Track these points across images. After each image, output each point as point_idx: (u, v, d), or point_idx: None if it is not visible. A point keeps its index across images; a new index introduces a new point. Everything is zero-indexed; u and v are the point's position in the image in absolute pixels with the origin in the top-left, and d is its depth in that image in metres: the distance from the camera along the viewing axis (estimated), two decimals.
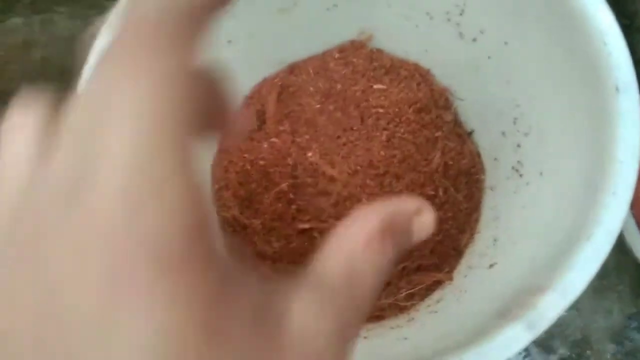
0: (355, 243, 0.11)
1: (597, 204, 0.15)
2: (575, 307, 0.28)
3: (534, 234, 0.19)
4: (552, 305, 0.14)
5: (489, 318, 0.16)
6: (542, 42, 0.19)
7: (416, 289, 0.24)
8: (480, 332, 0.15)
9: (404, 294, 0.24)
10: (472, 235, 0.25)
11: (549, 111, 0.19)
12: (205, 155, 0.25)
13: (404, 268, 0.24)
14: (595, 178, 0.15)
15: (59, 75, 0.32)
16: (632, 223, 0.25)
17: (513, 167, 0.22)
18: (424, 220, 0.12)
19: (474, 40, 0.22)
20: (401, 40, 0.25)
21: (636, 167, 0.15)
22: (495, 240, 0.23)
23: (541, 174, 0.20)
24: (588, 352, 0.28)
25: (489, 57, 0.22)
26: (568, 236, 0.15)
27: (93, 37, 0.33)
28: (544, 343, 0.28)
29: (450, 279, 0.24)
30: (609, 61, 0.15)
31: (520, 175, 0.22)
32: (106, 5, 0.34)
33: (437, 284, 0.24)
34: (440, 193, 0.25)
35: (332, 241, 0.11)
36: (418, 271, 0.24)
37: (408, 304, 0.24)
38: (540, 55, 0.19)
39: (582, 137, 0.17)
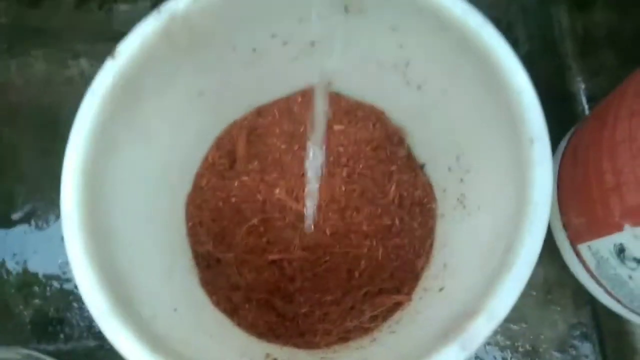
0: None
1: (516, 239, 0.17)
2: (524, 320, 0.31)
3: (473, 261, 0.21)
4: (481, 329, 0.17)
5: (434, 339, 0.18)
6: (474, 94, 0.21)
7: (378, 310, 0.26)
8: (425, 353, 0.17)
9: (368, 316, 0.26)
10: (427, 259, 0.27)
11: (482, 153, 0.22)
12: (180, 194, 0.27)
13: (366, 293, 0.27)
14: (516, 216, 0.18)
15: (35, 117, 0.34)
16: (568, 245, 0.27)
17: (458, 199, 0.25)
18: None
19: (419, 87, 0.24)
20: (357, 85, 0.27)
21: (548, 207, 0.17)
22: (445, 265, 0.25)
23: (479, 207, 0.23)
24: None
25: (432, 103, 0.24)
26: (496, 266, 0.18)
27: (69, 80, 0.35)
28: (497, 354, 0.31)
29: (409, 300, 0.26)
30: (524, 116, 0.18)
31: (464, 207, 0.24)
32: (79, 49, 0.36)
33: (398, 305, 0.26)
34: (397, 222, 0.27)
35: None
36: (380, 294, 0.27)
37: (372, 325, 0.26)
38: (473, 105, 0.22)
39: (507, 180, 0.19)
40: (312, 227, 0.27)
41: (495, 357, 0.30)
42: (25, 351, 0.28)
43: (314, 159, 0.23)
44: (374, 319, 0.26)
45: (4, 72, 0.36)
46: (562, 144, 0.29)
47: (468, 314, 0.17)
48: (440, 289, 0.24)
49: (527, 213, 0.18)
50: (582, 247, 0.26)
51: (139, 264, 0.20)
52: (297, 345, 0.25)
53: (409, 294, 0.26)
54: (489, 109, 0.21)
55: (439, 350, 0.16)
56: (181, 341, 0.19)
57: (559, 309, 0.31)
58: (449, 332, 0.17)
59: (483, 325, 0.16)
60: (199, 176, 0.27)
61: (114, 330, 0.17)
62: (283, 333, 0.25)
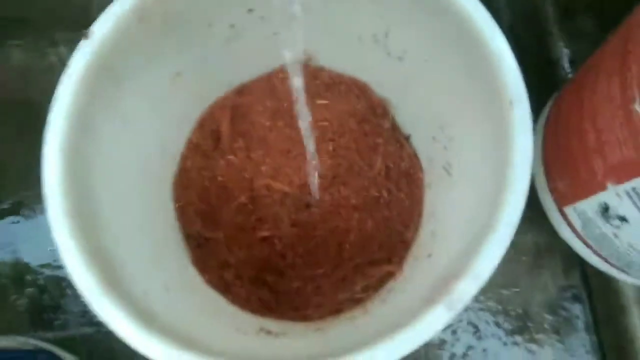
0: None
1: (499, 201, 0.18)
2: (515, 285, 0.32)
3: (459, 227, 0.21)
4: (467, 289, 0.17)
5: (421, 303, 0.19)
6: (455, 61, 0.21)
7: (369, 281, 0.26)
8: (412, 316, 0.17)
9: (359, 287, 0.26)
10: (416, 229, 0.27)
11: (464, 120, 0.22)
12: (166, 176, 0.27)
13: (357, 264, 0.27)
14: (498, 179, 0.18)
15: (16, 106, 0.34)
16: (555, 209, 0.28)
17: (444, 167, 0.25)
18: None
19: (400, 58, 0.24)
20: (338, 59, 0.27)
21: (529, 168, 0.18)
22: (433, 233, 0.25)
23: (464, 174, 0.23)
24: (529, 323, 0.31)
25: (413, 72, 0.24)
26: (480, 229, 0.18)
27: (49, 69, 0.35)
28: (490, 319, 0.31)
29: (400, 269, 0.26)
30: (503, 79, 0.18)
31: (449, 175, 0.25)
32: (57, 38, 0.36)
33: (389, 275, 0.26)
34: (385, 194, 0.28)
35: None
36: (370, 265, 0.27)
37: (364, 295, 0.26)
38: (454, 72, 0.22)
39: (489, 144, 0.20)
40: (317, 195, 0.27)
41: (487, 322, 0.31)
42: (22, 339, 0.28)
43: (306, 133, 0.23)
44: (365, 289, 0.26)
45: None
46: (546, 109, 0.29)
47: (453, 275, 0.18)
48: (429, 255, 0.24)
49: (508, 175, 0.18)
50: (568, 210, 0.26)
51: (127, 245, 0.20)
52: (290, 319, 0.25)
53: (399, 263, 0.27)
54: (469, 75, 0.21)
55: (425, 312, 0.17)
56: (175, 318, 0.19)
57: (549, 272, 0.32)
58: (435, 295, 0.18)
59: (468, 285, 0.17)
60: (183, 157, 0.27)
61: (107, 310, 0.17)
62: (276, 308, 0.25)
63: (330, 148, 0.28)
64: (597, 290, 0.31)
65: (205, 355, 0.17)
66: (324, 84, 0.28)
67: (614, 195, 0.22)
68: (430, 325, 0.16)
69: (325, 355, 0.17)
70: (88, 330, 0.31)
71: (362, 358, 0.16)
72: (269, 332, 0.23)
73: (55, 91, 0.19)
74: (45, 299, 0.31)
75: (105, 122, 0.20)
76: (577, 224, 0.26)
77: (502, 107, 0.18)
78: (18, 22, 0.36)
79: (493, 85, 0.19)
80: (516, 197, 0.17)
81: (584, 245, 0.27)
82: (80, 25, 0.35)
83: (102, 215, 0.19)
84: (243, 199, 0.27)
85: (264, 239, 0.27)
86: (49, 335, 0.31)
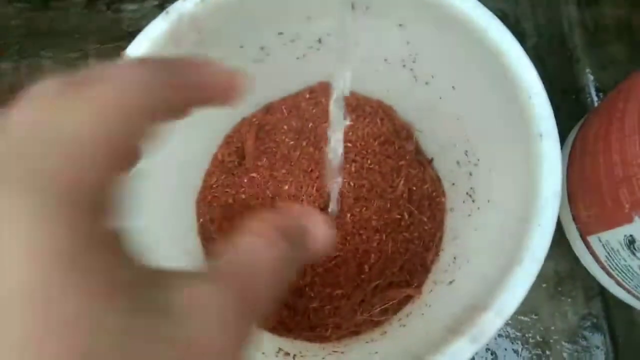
0: (251, 236, 0.12)
1: (526, 233, 0.17)
2: (535, 312, 0.31)
3: (482, 254, 0.21)
4: (490, 323, 0.17)
5: (444, 332, 0.19)
6: (484, 89, 0.21)
7: (389, 304, 0.26)
8: (434, 345, 0.17)
9: (378, 309, 0.26)
10: (437, 253, 0.27)
11: (491, 148, 0.22)
12: (189, 192, 0.27)
13: (376, 286, 0.27)
14: (526, 210, 0.18)
15: None
16: (578, 237, 0.27)
17: (467, 193, 0.25)
18: (317, 234, 0.13)
19: (427, 83, 0.24)
20: (365, 81, 0.27)
21: (557, 202, 0.18)
22: (454, 258, 0.25)
23: (489, 201, 0.23)
24: (547, 352, 0.31)
25: (440, 98, 0.24)
26: (506, 260, 0.18)
27: None
28: (508, 346, 0.31)
29: (419, 293, 0.26)
30: (534, 112, 0.18)
31: (473, 201, 0.25)
32: (88, 49, 0.36)
33: (408, 298, 0.26)
34: (406, 216, 0.28)
35: (229, 240, 0.12)
36: (390, 288, 0.27)
37: (382, 318, 0.26)
38: (482, 100, 0.22)
39: (516, 174, 0.19)
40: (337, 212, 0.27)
41: (506, 349, 0.31)
42: None
43: (335, 154, 0.23)
44: (384, 312, 0.26)
45: (14, 73, 0.36)
46: (571, 136, 0.29)
47: (478, 308, 0.17)
48: (450, 282, 0.24)
49: (536, 208, 0.18)
50: (592, 239, 0.26)
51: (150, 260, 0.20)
52: (308, 339, 0.25)
53: (419, 286, 0.26)
54: (498, 104, 0.21)
55: (449, 343, 0.17)
56: None
57: (569, 300, 0.31)
58: (458, 325, 0.18)
59: (493, 319, 0.17)
60: (208, 174, 0.27)
61: None
62: (294, 327, 0.25)
63: (353, 169, 0.28)
64: (618, 321, 0.30)
65: None
66: (350, 105, 0.28)
67: None
68: (453, 357, 0.16)
69: None
70: None
71: None
72: (287, 354, 0.23)
73: None
74: None
75: None
76: (601, 253, 0.26)
77: (531, 139, 0.18)
78: (50, 34, 0.36)
79: (522, 117, 0.19)
80: (543, 233, 0.17)
81: (607, 276, 0.27)
82: (110, 37, 0.36)
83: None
84: None
85: None
86: None
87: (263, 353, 0.22)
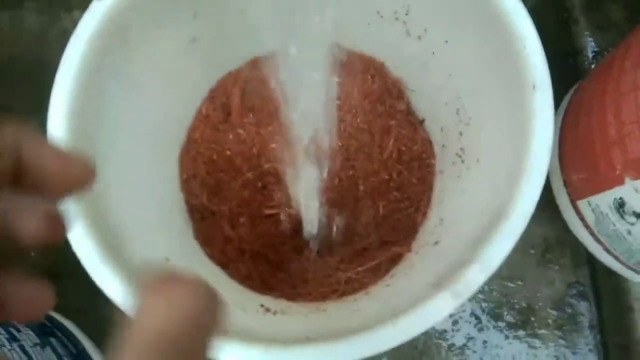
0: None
1: (514, 188, 0.17)
2: (521, 278, 0.31)
3: (471, 215, 0.21)
4: (474, 277, 0.16)
5: (427, 288, 0.18)
6: (476, 42, 0.21)
7: (375, 262, 0.26)
8: (416, 301, 0.17)
9: (365, 267, 0.26)
10: (424, 214, 0.27)
11: (483, 104, 0.22)
12: (173, 147, 0.26)
13: (366, 246, 0.26)
14: (516, 165, 0.18)
15: (28, 69, 0.34)
16: (568, 202, 0.27)
17: (457, 154, 0.25)
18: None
19: (419, 37, 0.24)
20: (356, 36, 0.26)
21: (548, 157, 0.17)
22: (441, 220, 0.25)
23: (478, 160, 0.22)
24: (532, 318, 0.31)
25: (433, 53, 0.24)
26: (493, 216, 0.18)
27: (62, 33, 0.34)
28: (492, 311, 0.31)
29: (409, 251, 0.26)
30: (527, 62, 0.18)
31: (462, 161, 0.24)
32: (73, 1, 0.35)
33: (398, 256, 0.26)
34: (395, 176, 0.27)
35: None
36: (380, 247, 0.26)
37: (367, 277, 0.26)
38: (475, 54, 0.21)
39: (507, 129, 0.19)
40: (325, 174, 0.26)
41: (490, 314, 0.31)
42: None
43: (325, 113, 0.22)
44: (374, 271, 0.25)
45: None
46: (566, 100, 0.28)
47: (461, 263, 0.17)
48: (436, 243, 0.23)
49: (526, 162, 0.17)
50: (582, 204, 0.26)
51: (129, 212, 0.20)
52: (291, 298, 0.25)
53: (408, 245, 0.26)
54: (491, 56, 0.20)
55: (430, 299, 0.16)
56: None
57: (557, 267, 0.31)
58: (441, 281, 0.17)
59: (476, 273, 0.16)
60: (192, 129, 0.27)
61: (105, 278, 0.17)
62: (276, 285, 0.25)
63: (342, 128, 0.27)
64: (604, 289, 0.30)
65: None
66: (340, 61, 0.27)
67: (632, 190, 0.21)
68: (434, 311, 0.16)
69: (325, 335, 0.17)
70: (84, 302, 0.30)
71: (363, 340, 0.16)
72: (267, 310, 0.23)
73: (64, 52, 0.18)
74: (44, 265, 0.31)
75: (114, 85, 0.19)
76: (590, 218, 0.26)
77: (524, 92, 0.18)
78: None
79: (515, 68, 0.18)
80: (532, 186, 0.17)
81: (596, 242, 0.27)
82: None
83: (105, 180, 0.19)
84: (250, 175, 0.27)
85: (269, 216, 0.27)
86: None
87: (243, 309, 0.22)
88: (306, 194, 0.27)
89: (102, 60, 0.19)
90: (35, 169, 0.10)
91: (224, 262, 0.25)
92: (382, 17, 0.24)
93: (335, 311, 0.23)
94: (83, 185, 0.11)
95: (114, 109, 0.20)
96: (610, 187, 0.22)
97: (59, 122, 0.17)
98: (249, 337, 0.16)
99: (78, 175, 0.11)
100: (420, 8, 0.22)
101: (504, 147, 0.19)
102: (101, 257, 0.17)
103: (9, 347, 0.21)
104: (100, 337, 0.29)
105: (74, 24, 0.34)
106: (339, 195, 0.27)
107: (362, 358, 0.16)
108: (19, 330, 0.23)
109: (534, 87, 0.17)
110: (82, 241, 0.17)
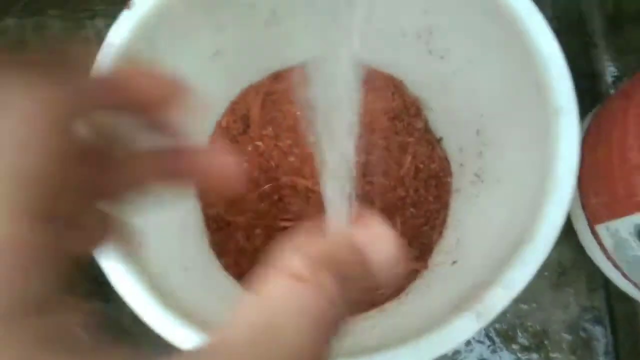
0: (284, 279, 0.08)
1: (538, 211, 0.17)
2: (535, 301, 0.31)
3: (490, 235, 0.21)
4: (498, 299, 0.16)
5: (446, 310, 0.18)
6: (501, 64, 0.21)
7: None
8: (437, 322, 0.17)
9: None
10: (440, 233, 0.27)
11: (505, 125, 0.22)
12: None
13: None
14: (540, 188, 0.18)
15: None
16: (586, 226, 0.27)
17: (475, 173, 0.25)
18: (381, 259, 0.09)
19: (442, 57, 0.24)
20: (377, 53, 0.27)
21: (573, 180, 0.17)
22: (458, 239, 0.25)
23: (498, 181, 0.22)
24: (546, 342, 0.30)
25: (454, 73, 0.24)
26: (515, 238, 0.18)
27: (85, 40, 0.35)
28: (506, 333, 0.30)
29: (426, 267, 0.25)
30: (551, 85, 0.18)
31: (482, 181, 0.24)
32: (96, 9, 0.36)
33: (414, 273, 0.25)
34: (412, 193, 0.27)
35: (255, 282, 0.08)
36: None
37: (385, 296, 0.25)
38: (499, 75, 0.21)
39: (531, 151, 0.19)
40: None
41: (504, 336, 0.30)
42: None
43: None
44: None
45: (19, 31, 0.35)
46: (585, 124, 0.28)
47: (484, 284, 0.17)
48: (453, 263, 0.23)
49: (550, 185, 0.17)
50: (601, 228, 0.25)
51: (149, 220, 0.20)
52: None
53: (425, 261, 0.26)
54: (515, 78, 0.20)
55: (452, 321, 0.16)
56: (191, 300, 0.18)
57: (572, 291, 0.31)
58: (462, 302, 0.17)
59: (500, 295, 0.16)
60: (212, 140, 0.27)
61: (124, 282, 0.17)
62: None
63: (360, 145, 0.27)
64: (620, 315, 0.30)
65: None
66: (360, 78, 0.27)
67: None
68: (458, 332, 0.16)
69: (344, 352, 0.16)
70: (98, 302, 0.30)
71: (385, 358, 0.15)
72: None
73: (95, 59, 0.18)
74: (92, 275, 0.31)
75: None
76: (609, 243, 0.25)
77: (548, 115, 0.18)
78: None
79: (540, 90, 0.18)
80: (557, 210, 0.17)
81: (613, 267, 0.26)
82: None
83: None
84: (267, 187, 0.27)
85: (285, 228, 0.27)
86: None
87: None
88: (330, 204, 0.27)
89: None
90: (128, 89, 0.10)
91: (239, 273, 0.25)
92: (404, 35, 0.24)
93: (351, 326, 0.23)
94: (178, 96, 0.11)
95: None
96: (630, 212, 0.22)
97: None
98: None
99: (169, 87, 0.11)
100: (444, 28, 0.23)
101: (527, 168, 0.19)
102: (122, 263, 0.17)
103: None
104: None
105: (97, 31, 0.35)
106: (354, 212, 0.27)
107: None
108: None
109: (558, 110, 0.17)
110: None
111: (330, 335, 0.09)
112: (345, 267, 0.09)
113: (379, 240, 0.10)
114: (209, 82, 0.25)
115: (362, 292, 0.09)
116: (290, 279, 0.09)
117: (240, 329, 0.08)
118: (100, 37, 0.36)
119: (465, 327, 0.16)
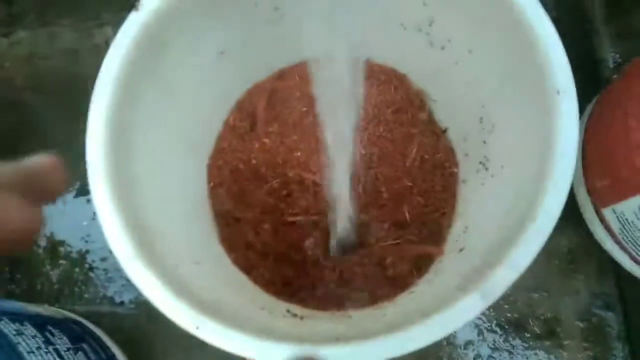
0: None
1: (541, 191, 0.17)
2: (546, 289, 0.31)
3: (494, 222, 0.21)
4: (502, 278, 0.16)
5: (454, 291, 0.18)
6: (500, 51, 0.21)
7: (405, 260, 0.25)
8: (442, 304, 0.17)
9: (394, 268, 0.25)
10: (449, 223, 0.27)
11: (507, 112, 0.22)
12: (202, 154, 0.27)
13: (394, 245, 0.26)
14: (541, 169, 0.18)
15: (62, 84, 0.35)
16: (593, 211, 0.27)
17: (480, 162, 0.25)
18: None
19: (443, 48, 0.24)
20: (379, 48, 0.27)
21: (574, 159, 0.17)
22: (466, 228, 0.25)
23: (502, 167, 0.22)
24: (558, 329, 0.30)
25: (456, 63, 0.24)
26: (519, 219, 0.18)
27: (94, 49, 0.36)
28: (517, 322, 0.30)
29: (441, 252, 0.25)
30: (551, 68, 0.18)
31: (487, 169, 0.24)
32: (106, 18, 0.36)
33: (428, 256, 0.26)
34: (418, 182, 0.27)
35: None
36: (413, 243, 0.26)
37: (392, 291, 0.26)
38: (499, 62, 0.21)
39: (532, 135, 0.19)
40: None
41: (515, 324, 0.30)
42: (53, 309, 0.29)
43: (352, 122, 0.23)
44: (407, 273, 0.25)
45: (32, 41, 0.36)
46: (588, 110, 0.29)
47: (488, 265, 0.17)
48: (460, 250, 0.24)
49: (550, 165, 0.17)
50: (607, 211, 0.26)
51: (162, 216, 0.20)
52: (314, 306, 0.25)
53: (439, 245, 0.26)
54: (514, 63, 0.20)
55: (458, 300, 0.16)
56: (203, 289, 0.19)
57: (582, 277, 0.31)
58: (468, 283, 0.17)
59: (504, 274, 0.16)
60: (220, 138, 0.27)
61: (139, 273, 0.17)
62: (298, 292, 0.25)
63: (365, 137, 0.28)
64: (631, 299, 0.30)
65: (230, 326, 0.17)
66: (364, 72, 0.28)
67: None
68: (464, 311, 0.16)
69: (354, 336, 0.17)
70: (114, 307, 0.31)
71: (394, 338, 0.16)
72: (294, 315, 0.23)
73: (104, 60, 0.19)
74: (76, 273, 0.32)
75: (149, 93, 0.20)
76: (615, 226, 0.26)
77: (548, 96, 0.18)
78: (68, 2, 0.36)
79: (539, 73, 0.18)
80: (558, 187, 0.17)
81: (621, 250, 0.26)
82: (126, 5, 0.36)
83: (141, 184, 0.20)
84: (275, 183, 0.27)
85: (292, 223, 0.27)
86: (77, 307, 0.31)
87: (270, 312, 0.22)
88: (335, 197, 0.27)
89: (139, 68, 0.20)
90: None
91: (248, 268, 0.25)
92: (405, 28, 0.25)
93: (361, 317, 0.23)
94: None
95: (149, 116, 0.21)
96: (634, 193, 0.22)
97: (98, 128, 0.18)
98: (280, 336, 0.17)
99: None
100: (444, 19, 0.23)
101: (529, 152, 0.20)
102: (136, 253, 0.18)
103: (45, 350, 0.22)
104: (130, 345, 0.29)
105: (105, 39, 0.36)
106: (362, 202, 0.27)
107: (393, 357, 0.16)
108: (53, 335, 0.23)
109: (557, 91, 0.18)
110: (117, 236, 0.18)
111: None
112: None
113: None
114: (216, 80, 0.25)
115: None
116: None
117: None
118: (109, 45, 0.37)
119: (471, 305, 0.16)
